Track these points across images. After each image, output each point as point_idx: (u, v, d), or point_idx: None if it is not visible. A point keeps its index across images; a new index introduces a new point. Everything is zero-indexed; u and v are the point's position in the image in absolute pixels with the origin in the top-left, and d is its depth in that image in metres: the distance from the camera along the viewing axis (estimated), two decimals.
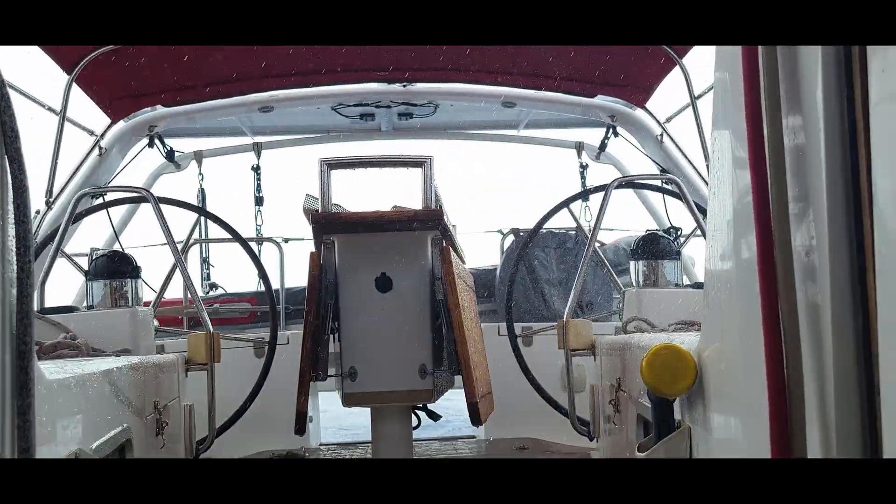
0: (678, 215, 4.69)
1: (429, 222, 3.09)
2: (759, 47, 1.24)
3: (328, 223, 3.08)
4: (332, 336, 3.16)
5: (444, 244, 3.17)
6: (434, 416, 3.35)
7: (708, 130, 4.68)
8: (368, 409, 3.25)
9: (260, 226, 5.82)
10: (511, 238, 5.48)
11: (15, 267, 1.03)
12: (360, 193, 3.61)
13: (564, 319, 3.43)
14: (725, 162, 1.51)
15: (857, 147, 1.11)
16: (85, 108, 4.57)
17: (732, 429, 1.53)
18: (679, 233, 4.64)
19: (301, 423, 2.98)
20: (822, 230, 1.14)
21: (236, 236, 3.87)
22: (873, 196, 1.01)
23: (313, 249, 3.23)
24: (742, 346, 1.41)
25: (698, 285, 4.32)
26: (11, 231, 1.02)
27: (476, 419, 3.00)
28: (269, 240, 5.51)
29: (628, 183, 4.42)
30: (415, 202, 3.19)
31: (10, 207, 1.02)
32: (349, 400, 3.12)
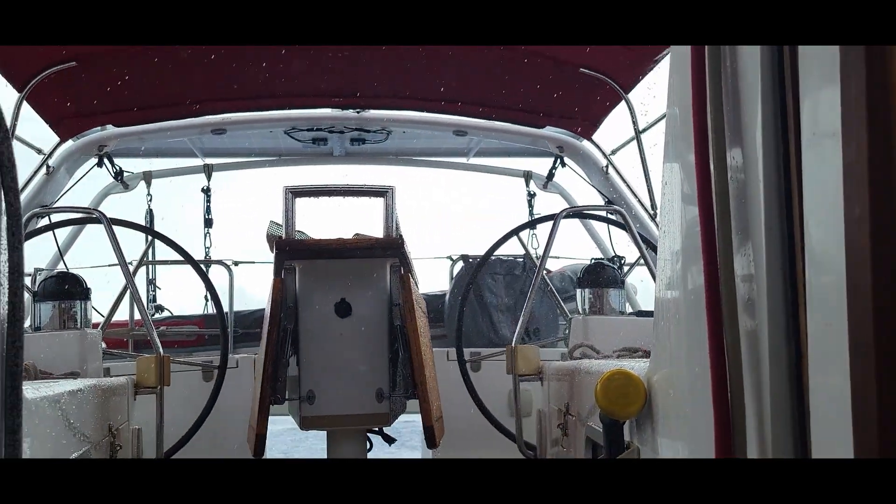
0: (622, 245, 4.85)
1: (389, 250, 3.16)
2: (707, 85, 1.35)
3: (291, 250, 3.12)
4: (289, 360, 3.18)
5: (403, 271, 3.24)
6: (389, 440, 3.40)
7: (650, 163, 4.85)
8: (314, 429, 3.27)
9: (209, 248, 5.78)
10: (460, 264, 5.56)
11: (7, 291, 1.07)
12: (319, 218, 3.66)
13: (512, 345, 3.50)
14: (675, 194, 1.59)
15: (791, 182, 1.22)
16: (33, 125, 4.52)
17: (679, 449, 1.63)
18: (623, 262, 4.79)
19: (260, 446, 2.99)
20: (759, 263, 1.25)
21: (189, 259, 3.86)
22: (805, 233, 1.12)
23: (271, 274, 3.26)
24: (689, 371, 1.51)
25: (641, 313, 4.47)
26: (4, 256, 1.06)
27: (431, 442, 3.06)
28: (219, 262, 5.48)
29: (576, 213, 4.55)
30: (373, 228, 3.25)
31: (4, 234, 1.05)
32: (306, 423, 3.14)
